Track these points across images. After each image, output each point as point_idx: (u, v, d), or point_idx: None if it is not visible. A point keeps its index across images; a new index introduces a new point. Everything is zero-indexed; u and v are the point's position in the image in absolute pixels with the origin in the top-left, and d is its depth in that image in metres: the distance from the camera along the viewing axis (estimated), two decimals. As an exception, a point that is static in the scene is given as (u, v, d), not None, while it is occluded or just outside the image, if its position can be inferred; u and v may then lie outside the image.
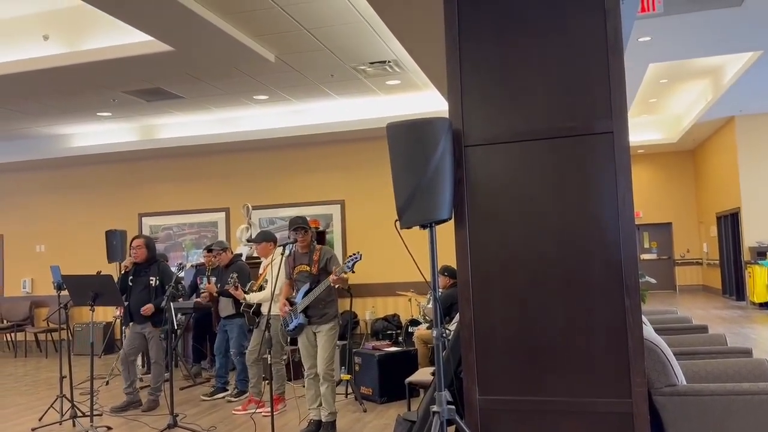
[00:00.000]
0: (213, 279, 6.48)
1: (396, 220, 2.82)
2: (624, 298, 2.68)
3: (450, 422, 2.70)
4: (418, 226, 2.84)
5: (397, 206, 2.80)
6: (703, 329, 4.79)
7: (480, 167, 2.87)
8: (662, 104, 13.28)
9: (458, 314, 4.32)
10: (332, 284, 4.56)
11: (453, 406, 2.68)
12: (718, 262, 14.69)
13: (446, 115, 2.99)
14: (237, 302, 5.86)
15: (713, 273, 15.30)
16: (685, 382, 2.87)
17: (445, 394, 2.69)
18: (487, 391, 2.80)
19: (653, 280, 9.95)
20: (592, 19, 2.78)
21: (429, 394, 3.44)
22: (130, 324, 5.81)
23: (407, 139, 2.79)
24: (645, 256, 17.44)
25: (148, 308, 5.61)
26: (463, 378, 2.87)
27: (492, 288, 2.84)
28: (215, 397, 6.18)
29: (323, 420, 4.66)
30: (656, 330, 4.56)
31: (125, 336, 5.91)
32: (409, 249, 3.15)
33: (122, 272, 5.80)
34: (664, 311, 5.70)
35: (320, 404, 4.70)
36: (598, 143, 2.73)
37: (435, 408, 2.66)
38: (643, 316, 2.91)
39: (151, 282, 5.75)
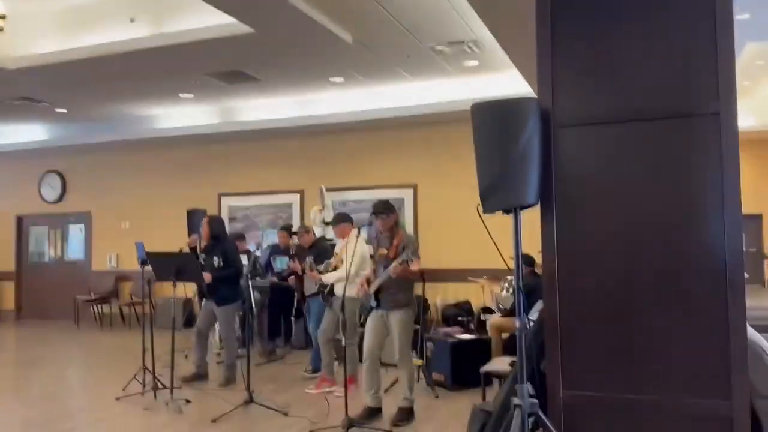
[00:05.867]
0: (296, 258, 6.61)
1: (478, 205, 2.71)
2: (726, 293, 2.48)
3: (530, 416, 2.59)
4: (501, 212, 2.73)
5: (481, 190, 2.68)
6: (804, 329, 4.43)
7: (570, 150, 2.71)
8: (756, 88, 12.43)
9: (538, 303, 4.18)
10: (392, 275, 4.44)
11: (536, 400, 2.57)
12: (814, 256, 13.71)
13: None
14: None
15: (808, 268, 14.30)
16: (791, 387, 2.64)
17: (527, 387, 2.58)
18: (572, 386, 2.67)
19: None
20: (699, -9, 2.56)
21: (507, 386, 3.33)
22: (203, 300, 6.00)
23: (493, 120, 2.67)
24: (732, 249, 16.50)
25: (206, 276, 5.75)
26: (546, 371, 2.75)
27: (580, 279, 2.69)
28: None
29: (399, 405, 4.64)
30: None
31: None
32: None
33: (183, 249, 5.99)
34: (755, 307, 5.34)
35: (375, 391, 4.67)
36: (703, 126, 2.52)
37: (517, 401, 2.55)
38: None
39: (214, 261, 5.88)
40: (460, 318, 8.21)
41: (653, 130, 2.60)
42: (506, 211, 2.70)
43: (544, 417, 2.56)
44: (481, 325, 7.25)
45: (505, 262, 3.03)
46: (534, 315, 3.97)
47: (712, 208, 2.50)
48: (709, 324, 2.50)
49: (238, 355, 6.25)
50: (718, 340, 2.48)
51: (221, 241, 6.02)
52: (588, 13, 2.73)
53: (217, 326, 6.80)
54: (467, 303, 8.51)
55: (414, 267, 4.45)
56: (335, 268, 5.59)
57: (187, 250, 5.99)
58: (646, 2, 2.65)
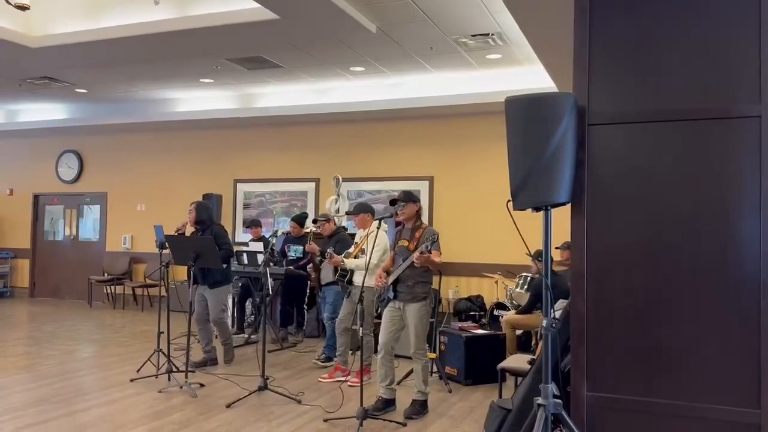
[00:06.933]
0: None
1: (508, 201, 2.68)
2: (760, 298, 2.44)
3: (553, 415, 2.57)
4: (531, 209, 2.70)
5: (512, 186, 2.65)
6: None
7: (604, 148, 2.67)
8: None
9: (558, 302, 4.14)
10: (416, 263, 4.43)
11: (560, 400, 2.54)
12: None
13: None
14: (336, 270, 5.88)
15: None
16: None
17: (552, 387, 2.56)
18: (597, 388, 2.64)
19: None
20: (745, -10, 2.50)
21: (527, 383, 3.31)
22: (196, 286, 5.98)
23: (527, 115, 2.64)
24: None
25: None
26: (570, 371, 2.72)
27: (609, 280, 2.65)
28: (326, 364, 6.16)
29: (413, 398, 4.64)
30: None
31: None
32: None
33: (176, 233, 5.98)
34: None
35: (389, 383, 4.66)
36: (743, 128, 2.48)
37: (541, 400, 2.53)
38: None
39: None
40: (472, 312, 8.20)
41: (690, 131, 2.55)
42: (536, 209, 2.67)
43: (567, 417, 2.54)
44: (494, 320, 7.22)
45: (531, 255, 3.01)
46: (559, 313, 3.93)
47: (749, 211, 2.46)
48: (740, 330, 2.46)
49: (249, 339, 6.24)
50: (749, 348, 2.44)
51: (209, 226, 6.01)
52: (628, 10, 2.68)
53: None
54: (480, 297, 8.48)
55: (435, 257, 4.43)
56: (356, 258, 5.57)
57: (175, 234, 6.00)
58: (687, 1, 2.59)
